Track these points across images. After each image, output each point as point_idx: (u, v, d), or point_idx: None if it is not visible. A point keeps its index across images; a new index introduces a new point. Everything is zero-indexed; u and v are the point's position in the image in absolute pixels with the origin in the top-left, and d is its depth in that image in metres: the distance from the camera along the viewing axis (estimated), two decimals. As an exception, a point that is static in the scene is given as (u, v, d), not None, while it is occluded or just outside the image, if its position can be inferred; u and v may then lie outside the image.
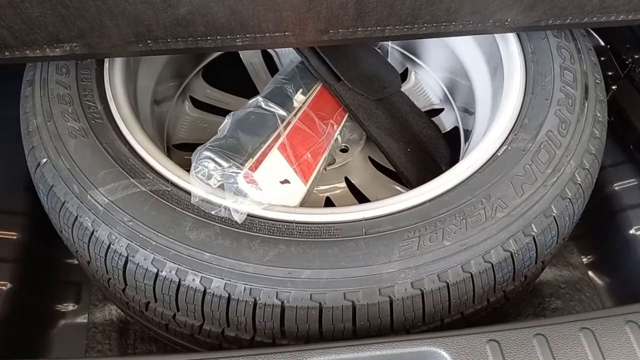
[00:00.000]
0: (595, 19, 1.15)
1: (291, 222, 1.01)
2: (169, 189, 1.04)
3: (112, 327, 1.39)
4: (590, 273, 1.50)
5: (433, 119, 1.66)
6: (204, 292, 0.95)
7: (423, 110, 1.66)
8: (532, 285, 1.16)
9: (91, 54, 1.10)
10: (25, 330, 1.31)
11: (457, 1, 1.06)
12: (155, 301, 1.00)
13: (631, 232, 1.40)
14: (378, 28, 1.11)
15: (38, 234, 1.37)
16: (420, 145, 1.52)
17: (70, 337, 1.38)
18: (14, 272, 1.31)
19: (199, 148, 1.11)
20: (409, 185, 1.47)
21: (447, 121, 1.68)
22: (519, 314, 1.41)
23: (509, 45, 1.27)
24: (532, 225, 1.01)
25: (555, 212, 1.04)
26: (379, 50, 1.71)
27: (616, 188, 1.46)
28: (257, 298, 0.94)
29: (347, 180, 1.55)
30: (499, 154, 1.10)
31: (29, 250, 1.35)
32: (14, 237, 1.34)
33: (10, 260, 1.31)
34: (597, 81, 1.22)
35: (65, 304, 1.43)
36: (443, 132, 1.64)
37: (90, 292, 1.44)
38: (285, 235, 0.99)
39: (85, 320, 1.40)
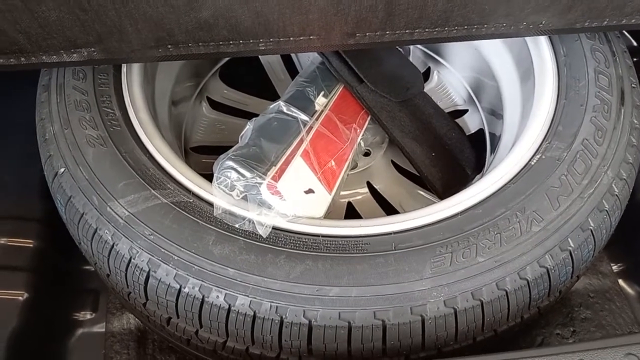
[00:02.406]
0: (634, 20, 1.10)
1: (318, 235, 0.98)
2: (191, 201, 1.00)
3: (130, 336, 1.36)
4: (620, 281, 1.46)
5: (457, 120, 1.62)
6: (229, 309, 0.92)
7: (446, 111, 1.61)
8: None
9: (109, 59, 1.06)
10: (42, 340, 1.29)
11: (491, 2, 1.02)
12: (178, 317, 0.97)
13: (662, 239, 1.35)
14: (407, 31, 1.07)
15: (54, 241, 1.34)
16: (444, 149, 1.48)
17: (87, 346, 1.35)
18: (30, 281, 1.28)
19: (220, 157, 1.08)
20: (434, 190, 1.43)
21: (471, 123, 1.64)
22: (548, 324, 1.37)
23: (540, 47, 1.22)
24: (569, 239, 0.97)
25: (592, 225, 0.99)
26: (401, 50, 1.67)
27: (648, 194, 1.41)
28: (284, 316, 0.90)
29: (370, 185, 1.51)
30: (532, 163, 1.05)
31: (45, 258, 1.32)
32: (30, 245, 1.32)
33: (27, 269, 1.28)
34: (633, 85, 1.17)
35: (82, 312, 1.40)
36: (467, 134, 1.59)
37: (107, 300, 1.41)
38: (312, 250, 0.95)
39: (103, 330, 1.37)
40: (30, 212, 1.35)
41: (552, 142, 1.07)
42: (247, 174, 1.05)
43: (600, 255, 1.48)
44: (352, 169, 1.47)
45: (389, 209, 1.49)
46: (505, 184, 1.03)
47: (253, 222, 0.97)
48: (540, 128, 1.10)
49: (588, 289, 1.43)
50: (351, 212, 1.47)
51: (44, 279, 1.32)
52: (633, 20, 1.10)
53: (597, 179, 1.02)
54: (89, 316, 1.40)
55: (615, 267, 1.48)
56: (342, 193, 1.49)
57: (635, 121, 1.13)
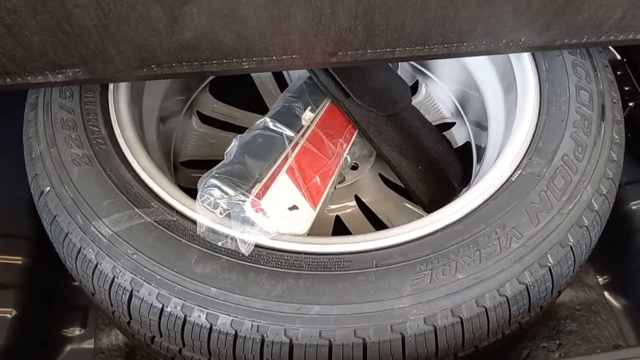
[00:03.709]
0: (612, 37, 1.11)
1: (300, 252, 0.99)
2: (175, 219, 1.01)
3: (118, 352, 1.37)
4: (606, 294, 1.46)
5: (444, 133, 1.63)
6: (210, 328, 0.93)
7: (434, 124, 1.62)
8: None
9: (95, 79, 1.07)
10: (31, 357, 1.30)
11: (469, 22, 1.03)
12: (161, 336, 0.98)
13: (648, 251, 1.36)
14: (388, 49, 1.08)
15: (43, 258, 1.35)
16: (431, 162, 1.49)
17: (77, 363, 1.36)
18: (19, 298, 1.28)
19: (204, 175, 1.09)
20: (420, 204, 1.44)
21: (458, 136, 1.65)
22: (534, 337, 1.38)
23: (523, 62, 1.23)
24: (548, 255, 0.98)
25: (571, 241, 1.00)
26: (389, 63, 1.68)
27: (633, 207, 1.42)
28: (265, 335, 0.91)
29: (358, 199, 1.52)
30: (513, 179, 1.06)
31: (33, 274, 1.33)
32: (19, 262, 1.32)
33: (15, 286, 1.29)
34: (614, 100, 1.18)
35: (71, 329, 1.41)
36: (455, 147, 1.61)
37: (96, 316, 1.42)
38: (293, 267, 0.96)
39: (92, 346, 1.38)
40: (19, 228, 1.36)
41: (532, 157, 1.08)
42: (231, 192, 1.05)
43: (586, 268, 1.49)
44: (340, 182, 1.48)
45: (377, 223, 1.50)
46: (486, 200, 1.04)
47: (236, 240, 0.98)
48: (521, 144, 1.11)
49: (574, 302, 1.44)
50: (339, 226, 1.48)
51: (33, 296, 1.32)
52: (612, 37, 1.11)
53: (576, 195, 1.03)
54: (77, 332, 1.41)
55: (601, 280, 1.49)
56: (331, 207, 1.49)
57: (616, 136, 1.14)
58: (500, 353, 1.17)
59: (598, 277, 1.49)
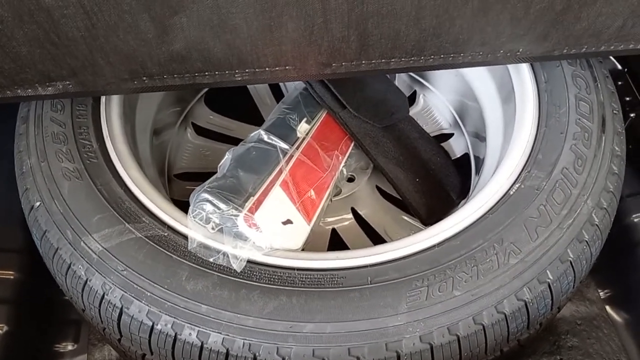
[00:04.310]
0: (612, 47, 1.09)
1: (293, 268, 0.96)
2: (166, 234, 0.99)
3: (111, 368, 1.35)
4: (607, 308, 1.44)
5: (443, 144, 1.61)
6: (201, 347, 0.90)
7: (432, 135, 1.60)
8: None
9: (85, 92, 1.05)
10: (23, 374, 1.28)
11: (465, 32, 1.01)
12: (152, 354, 0.95)
13: (651, 265, 1.34)
14: (383, 61, 1.06)
15: (35, 272, 1.33)
16: (429, 174, 1.47)
17: (69, 379, 1.34)
18: (11, 313, 1.26)
19: (196, 189, 1.07)
20: (417, 216, 1.42)
21: (457, 147, 1.63)
22: (534, 353, 1.35)
23: (522, 73, 1.21)
24: (547, 271, 0.96)
25: (571, 256, 0.98)
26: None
27: (635, 219, 1.39)
28: (257, 354, 0.89)
29: (354, 211, 1.50)
30: (511, 192, 1.04)
31: (25, 289, 1.31)
32: (11, 277, 1.30)
33: (7, 301, 1.27)
34: (614, 112, 1.16)
35: (64, 344, 1.38)
36: (453, 158, 1.59)
37: (89, 331, 1.39)
38: (286, 284, 0.94)
39: (85, 361, 1.36)
40: (11, 242, 1.34)
41: (531, 171, 1.06)
42: (223, 207, 1.04)
43: (587, 282, 1.46)
44: (336, 195, 1.46)
45: (374, 236, 1.48)
46: (484, 214, 1.02)
47: (228, 256, 0.96)
48: (520, 156, 1.09)
49: (575, 316, 1.42)
50: (335, 239, 1.46)
51: (25, 311, 1.30)
52: (612, 47, 1.09)
53: (576, 209, 1.01)
54: (70, 347, 1.38)
55: (602, 294, 1.46)
56: (327, 220, 1.47)
57: (617, 148, 1.11)
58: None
59: (599, 290, 1.46)
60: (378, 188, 1.55)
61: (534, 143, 1.11)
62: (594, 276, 1.47)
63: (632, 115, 1.45)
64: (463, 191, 1.48)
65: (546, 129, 1.12)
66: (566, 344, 1.38)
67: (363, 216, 1.49)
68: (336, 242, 1.45)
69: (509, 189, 1.05)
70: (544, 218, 0.99)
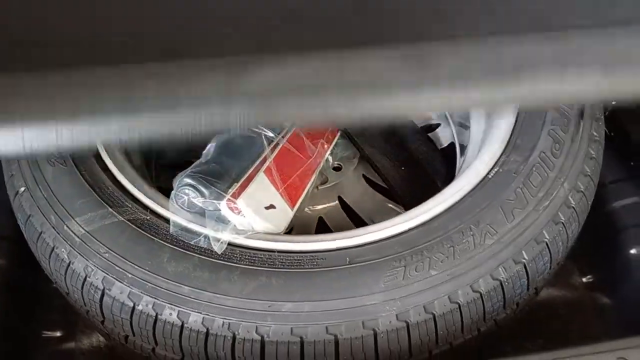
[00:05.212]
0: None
1: (273, 251, 0.98)
2: (148, 218, 1.01)
3: (99, 354, 1.36)
4: (590, 294, 1.45)
5: (430, 134, 1.62)
6: (182, 326, 0.92)
7: (420, 125, 1.62)
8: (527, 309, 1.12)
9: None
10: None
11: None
12: (134, 335, 0.97)
13: (632, 251, 1.34)
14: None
15: (22, 259, 1.34)
16: (415, 163, 1.48)
17: (58, 366, 1.35)
18: (-2, 300, 1.28)
19: (180, 174, 1.08)
20: (403, 204, 1.43)
21: (443, 137, 1.64)
22: (516, 337, 1.36)
23: (502, 61, 1.22)
24: (523, 252, 0.97)
25: (547, 237, 1.00)
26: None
27: (616, 206, 1.41)
28: (236, 332, 0.90)
29: (341, 200, 1.51)
30: (489, 176, 1.06)
31: (13, 276, 1.32)
32: (-2, 264, 1.32)
33: (-6, 287, 1.29)
34: (593, 98, 1.18)
35: (52, 331, 1.40)
36: (440, 147, 1.60)
37: (77, 318, 1.41)
38: (266, 265, 0.95)
39: (73, 347, 1.37)
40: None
41: (510, 155, 1.08)
42: (205, 191, 1.05)
43: (570, 268, 1.48)
44: (323, 183, 1.47)
45: (361, 223, 1.49)
46: (462, 198, 1.04)
47: (209, 239, 0.98)
48: (500, 141, 1.11)
49: (557, 301, 1.43)
50: (322, 227, 1.47)
51: (13, 298, 1.31)
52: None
53: (552, 192, 1.02)
54: (58, 334, 1.40)
55: (585, 280, 1.48)
56: (314, 207, 1.48)
57: (595, 133, 1.13)
58: (479, 353, 1.16)
59: (582, 276, 1.48)
60: (365, 177, 1.56)
61: (513, 128, 1.12)
62: (576, 262, 1.48)
63: (613, 102, 1.46)
64: (448, 178, 1.49)
65: (526, 115, 1.13)
66: (548, 329, 1.39)
67: (350, 204, 1.51)
68: (323, 230, 1.46)
69: (488, 173, 1.06)
70: (520, 200, 1.01)
